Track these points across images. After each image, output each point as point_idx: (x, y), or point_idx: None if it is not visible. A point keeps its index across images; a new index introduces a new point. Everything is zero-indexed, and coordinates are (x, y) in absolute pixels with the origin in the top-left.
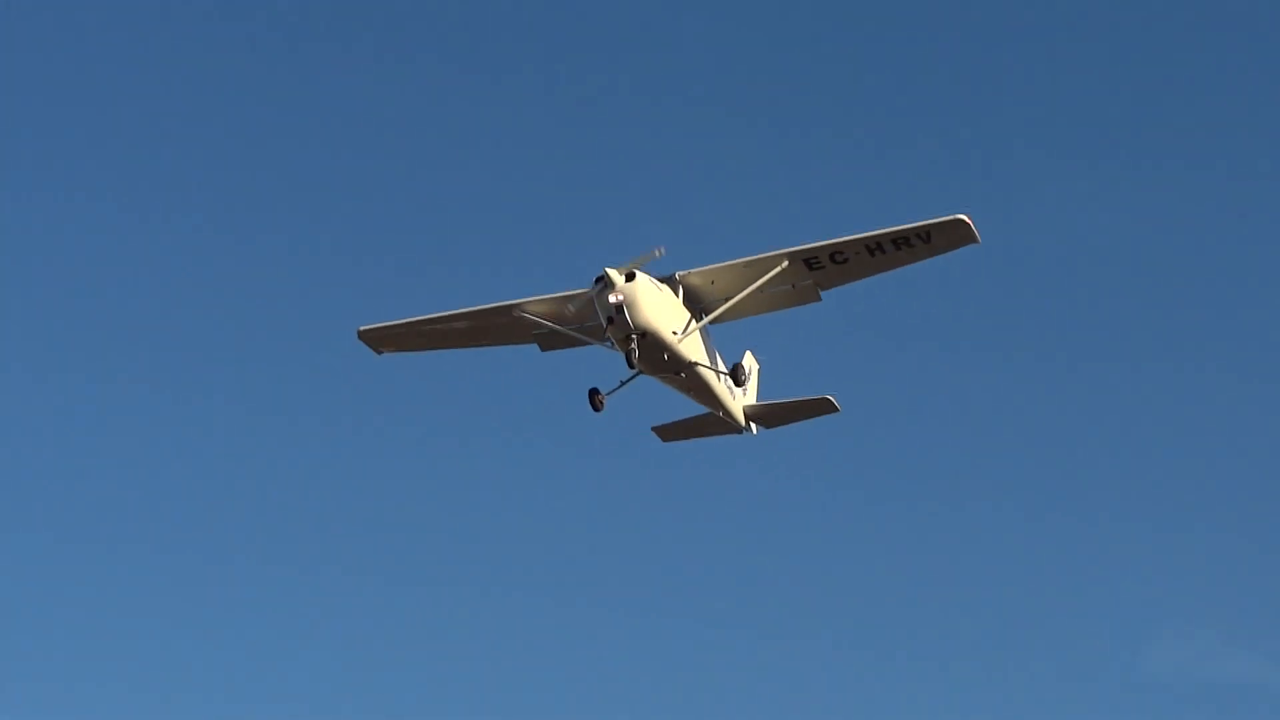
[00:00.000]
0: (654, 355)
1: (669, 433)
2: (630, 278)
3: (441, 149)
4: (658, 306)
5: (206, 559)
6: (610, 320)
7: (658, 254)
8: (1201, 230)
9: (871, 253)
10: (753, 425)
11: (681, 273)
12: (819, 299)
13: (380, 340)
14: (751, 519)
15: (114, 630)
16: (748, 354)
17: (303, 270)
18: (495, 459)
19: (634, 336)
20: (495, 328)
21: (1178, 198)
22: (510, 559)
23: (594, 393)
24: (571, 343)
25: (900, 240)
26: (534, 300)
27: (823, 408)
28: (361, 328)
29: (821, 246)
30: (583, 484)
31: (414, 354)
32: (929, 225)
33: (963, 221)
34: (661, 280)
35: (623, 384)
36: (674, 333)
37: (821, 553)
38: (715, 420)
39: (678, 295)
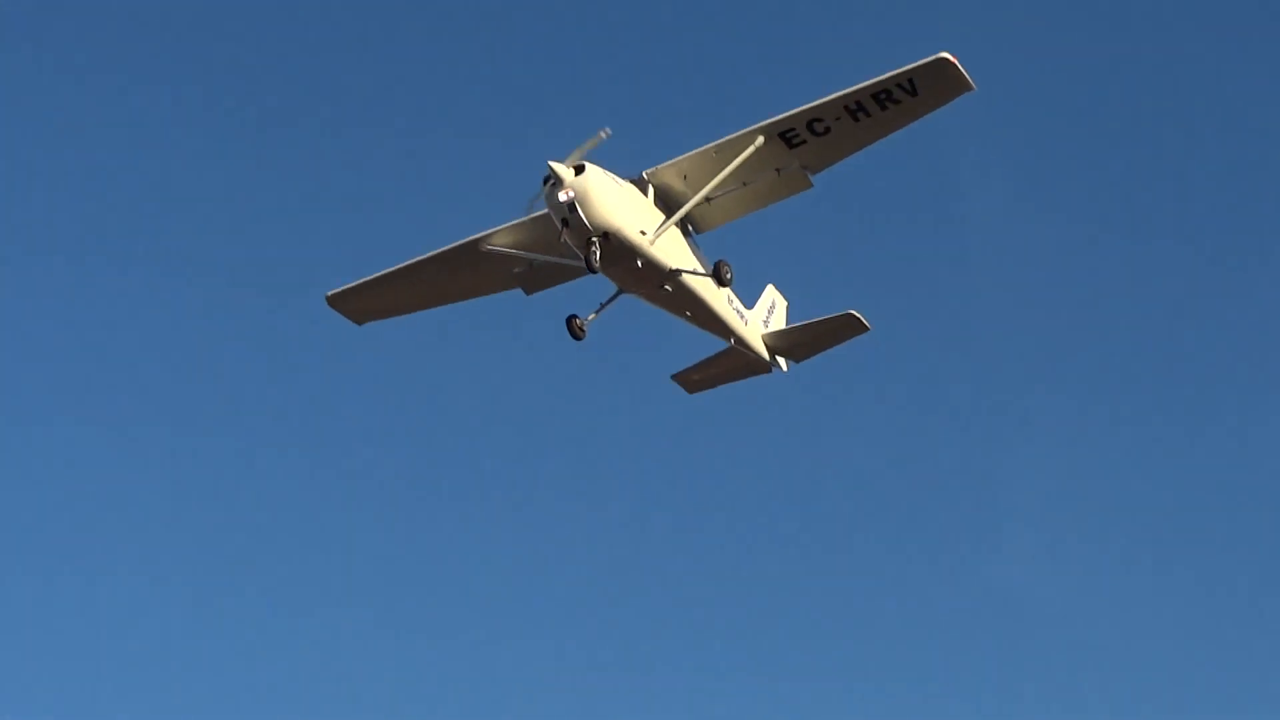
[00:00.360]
0: (626, 263)
1: (692, 382)
2: (579, 170)
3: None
4: (616, 201)
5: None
6: (565, 223)
7: (603, 135)
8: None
9: (855, 116)
10: (780, 360)
11: (649, 170)
12: (810, 185)
13: (352, 304)
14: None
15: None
16: (769, 287)
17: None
18: (501, 429)
19: (595, 240)
20: (470, 270)
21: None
22: (533, 545)
23: (572, 319)
24: (556, 277)
25: (882, 95)
26: (498, 230)
27: (850, 327)
28: (329, 292)
29: (796, 114)
30: (606, 452)
31: (397, 319)
32: (909, 70)
33: (946, 61)
34: (628, 181)
35: (603, 306)
36: (642, 232)
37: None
38: (737, 356)
39: (647, 196)
